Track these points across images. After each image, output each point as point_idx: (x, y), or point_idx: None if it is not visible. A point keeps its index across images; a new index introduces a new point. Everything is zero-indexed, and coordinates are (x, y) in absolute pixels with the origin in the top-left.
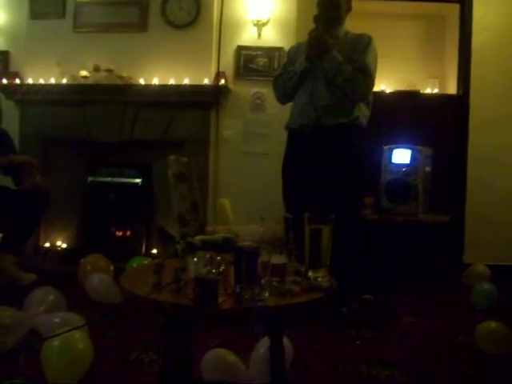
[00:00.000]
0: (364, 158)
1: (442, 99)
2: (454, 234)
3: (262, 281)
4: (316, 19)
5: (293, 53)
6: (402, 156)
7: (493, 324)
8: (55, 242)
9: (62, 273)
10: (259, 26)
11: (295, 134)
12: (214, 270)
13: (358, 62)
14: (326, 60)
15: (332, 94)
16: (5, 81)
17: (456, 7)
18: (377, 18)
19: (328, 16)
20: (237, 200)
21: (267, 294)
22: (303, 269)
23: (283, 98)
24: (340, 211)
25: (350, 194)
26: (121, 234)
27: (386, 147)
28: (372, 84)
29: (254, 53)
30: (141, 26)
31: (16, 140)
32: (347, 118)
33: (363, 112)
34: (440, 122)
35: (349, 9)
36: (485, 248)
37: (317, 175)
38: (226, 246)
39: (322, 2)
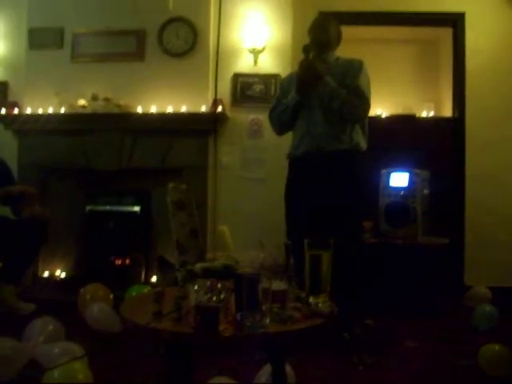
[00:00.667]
0: (365, 183)
1: (438, 122)
2: (454, 256)
3: (263, 307)
4: (305, 48)
5: (285, 84)
6: (399, 179)
7: (496, 347)
8: (54, 271)
9: (61, 302)
10: (255, 53)
11: (297, 162)
12: (214, 298)
13: (351, 86)
14: (320, 86)
15: (329, 120)
16: (3, 111)
17: (449, 31)
18: (372, 43)
19: (319, 40)
20: (236, 226)
21: (268, 321)
22: (304, 295)
23: (280, 129)
24: (343, 236)
25: (352, 219)
26: (120, 262)
27: (383, 171)
28: (368, 106)
29: (251, 80)
30: (138, 55)
31: (15, 169)
32: (347, 143)
33: (362, 136)
34: (437, 145)
35: (339, 38)
36: (485, 269)
37: (320, 201)
38: (227, 272)
39: (312, 28)
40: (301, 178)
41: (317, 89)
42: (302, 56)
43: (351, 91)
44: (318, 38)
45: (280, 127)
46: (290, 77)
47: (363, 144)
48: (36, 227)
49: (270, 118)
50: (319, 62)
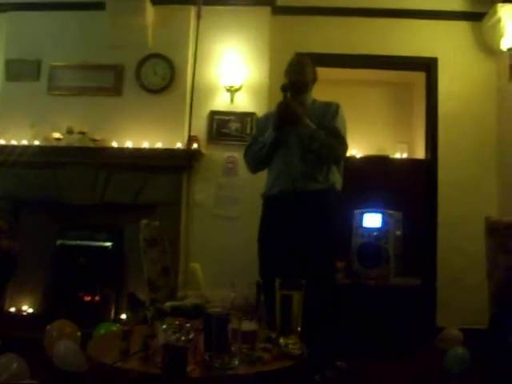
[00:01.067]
0: (339, 223)
1: (411, 164)
2: (426, 298)
3: (233, 348)
4: (284, 88)
5: (262, 123)
6: (372, 220)
7: None
8: (21, 306)
9: (27, 339)
10: (232, 91)
11: (272, 201)
12: (183, 338)
13: (329, 128)
14: (298, 127)
15: (306, 160)
16: None
17: (422, 75)
18: (347, 84)
19: (296, 81)
20: (208, 263)
21: (237, 362)
22: (274, 335)
23: (254, 168)
24: (316, 276)
25: (326, 260)
26: (89, 298)
27: (356, 211)
28: (346, 147)
29: (227, 117)
30: (115, 89)
31: None
32: (323, 183)
33: (337, 177)
34: (409, 186)
35: (315, 78)
36: (457, 311)
37: (294, 240)
38: (196, 312)
39: (289, 68)
40: (275, 216)
41: (295, 128)
42: (279, 95)
43: (329, 133)
44: (296, 78)
45: (255, 165)
46: (266, 116)
47: (338, 184)
48: (4, 261)
49: (246, 156)
50: (297, 103)
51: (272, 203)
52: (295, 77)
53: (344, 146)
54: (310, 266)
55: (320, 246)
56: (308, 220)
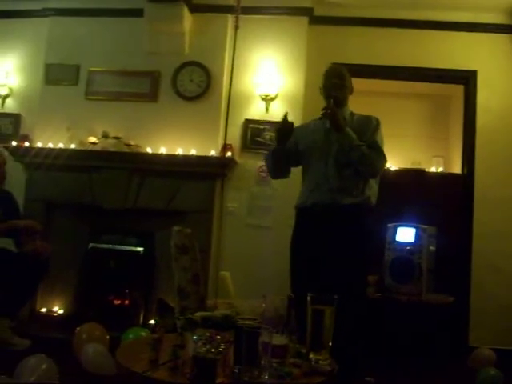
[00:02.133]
0: (373, 238)
1: (446, 178)
2: (459, 316)
3: (262, 362)
4: (328, 96)
5: (298, 131)
6: (406, 234)
7: None
8: (52, 307)
9: (56, 340)
10: (267, 100)
11: (306, 213)
12: (213, 350)
13: (368, 141)
14: (341, 137)
15: (342, 175)
16: (14, 143)
17: (461, 88)
18: (384, 96)
19: (336, 97)
20: (239, 272)
21: (267, 376)
22: (304, 350)
23: (272, 173)
24: (348, 292)
25: (358, 275)
26: (119, 302)
27: (390, 225)
28: (385, 161)
29: (262, 126)
30: (151, 96)
31: (21, 202)
32: (359, 197)
33: (374, 191)
34: (444, 201)
35: (351, 90)
36: (490, 330)
37: (328, 254)
38: (226, 323)
39: (328, 81)
40: (308, 229)
41: (339, 137)
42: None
43: (369, 146)
44: (336, 92)
45: (273, 170)
46: (303, 125)
47: (374, 199)
48: (37, 262)
49: (265, 160)
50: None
51: (306, 215)
52: (335, 90)
53: (383, 160)
54: (342, 280)
55: (353, 260)
56: (341, 234)
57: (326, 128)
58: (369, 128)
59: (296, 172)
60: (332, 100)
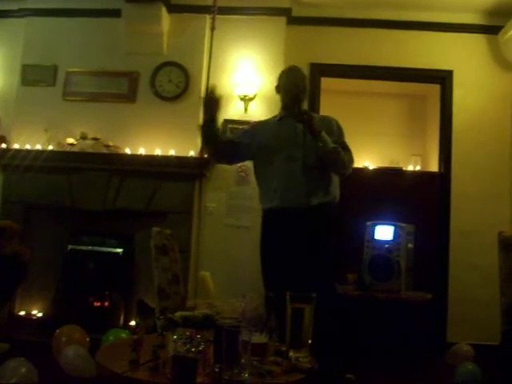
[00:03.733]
0: (337, 234)
1: (424, 176)
2: (437, 312)
3: (243, 360)
4: (296, 99)
5: (257, 128)
6: (384, 232)
7: None
8: (31, 310)
9: (36, 343)
10: (246, 100)
11: (274, 215)
12: (193, 349)
13: (338, 142)
14: (317, 140)
15: (310, 177)
16: None
17: (437, 88)
18: (361, 96)
19: (299, 98)
20: (219, 272)
21: (247, 375)
22: (284, 348)
23: (212, 153)
24: (319, 288)
25: (327, 272)
26: (99, 304)
27: (368, 223)
28: (353, 161)
29: (240, 126)
30: (130, 96)
31: None
32: (326, 197)
33: (337, 189)
34: (422, 199)
35: (306, 94)
36: (468, 326)
37: (296, 253)
38: (206, 323)
39: (289, 82)
40: (277, 230)
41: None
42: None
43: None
44: (300, 95)
45: (208, 148)
46: (261, 123)
47: (338, 196)
48: (15, 265)
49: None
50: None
51: (274, 217)
52: (298, 93)
53: (352, 160)
54: (310, 278)
55: (321, 258)
56: (310, 232)
57: (290, 130)
58: (333, 130)
59: None
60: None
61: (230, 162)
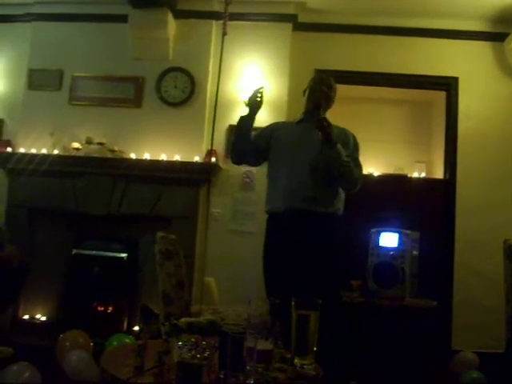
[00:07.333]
0: (343, 245)
1: (429, 183)
2: (442, 320)
3: (248, 367)
4: (317, 104)
5: (273, 128)
6: (389, 239)
7: None
8: (35, 314)
9: (39, 347)
10: None
11: (278, 219)
12: (198, 355)
13: (351, 157)
14: (331, 151)
15: (318, 184)
16: None
17: (442, 95)
18: (366, 102)
19: (321, 107)
20: (223, 278)
21: (252, 382)
22: (289, 355)
23: (235, 151)
24: (324, 296)
25: (331, 282)
26: (102, 309)
27: (373, 230)
28: (362, 179)
29: None
30: (135, 101)
31: (3, 208)
32: (331, 208)
33: (343, 202)
34: (427, 206)
35: (333, 103)
36: (473, 334)
37: (299, 260)
38: (212, 329)
39: (317, 88)
40: (281, 234)
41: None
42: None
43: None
44: (325, 103)
45: (237, 146)
46: (279, 124)
47: (342, 209)
48: (11, 272)
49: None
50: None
51: (278, 221)
52: (322, 98)
53: (362, 178)
54: (314, 286)
55: (324, 266)
56: (314, 240)
57: (306, 134)
58: (349, 144)
59: None
60: (322, 112)
61: (256, 162)
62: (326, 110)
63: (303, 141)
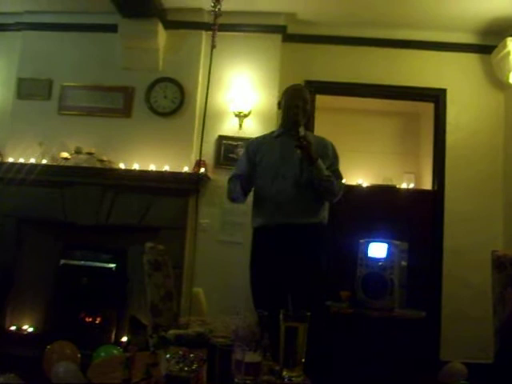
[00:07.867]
0: (327, 255)
1: (417, 194)
2: (430, 330)
3: (236, 380)
4: (295, 120)
5: (254, 148)
6: (378, 250)
7: None
8: (22, 325)
9: (26, 358)
10: (241, 117)
11: (267, 233)
12: (186, 368)
13: (332, 168)
14: (312, 168)
15: (304, 197)
16: None
17: (431, 106)
18: (355, 113)
19: (299, 120)
20: (212, 289)
21: None
22: (278, 367)
23: (231, 201)
24: (309, 304)
25: (316, 292)
26: (90, 320)
27: (362, 241)
28: (343, 189)
29: (235, 143)
30: (125, 111)
31: None
32: (315, 218)
33: (327, 212)
34: (416, 217)
35: (309, 114)
36: (461, 345)
37: (287, 271)
38: (200, 341)
39: (291, 102)
40: (266, 249)
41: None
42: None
43: (332, 173)
44: (301, 116)
45: (231, 200)
46: (258, 140)
47: (326, 218)
48: None
49: (229, 183)
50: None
51: (268, 235)
52: (298, 113)
53: (343, 189)
54: (300, 296)
55: (311, 277)
56: (298, 252)
57: (286, 149)
58: (328, 154)
59: None
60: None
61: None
62: (303, 122)
63: (284, 156)
